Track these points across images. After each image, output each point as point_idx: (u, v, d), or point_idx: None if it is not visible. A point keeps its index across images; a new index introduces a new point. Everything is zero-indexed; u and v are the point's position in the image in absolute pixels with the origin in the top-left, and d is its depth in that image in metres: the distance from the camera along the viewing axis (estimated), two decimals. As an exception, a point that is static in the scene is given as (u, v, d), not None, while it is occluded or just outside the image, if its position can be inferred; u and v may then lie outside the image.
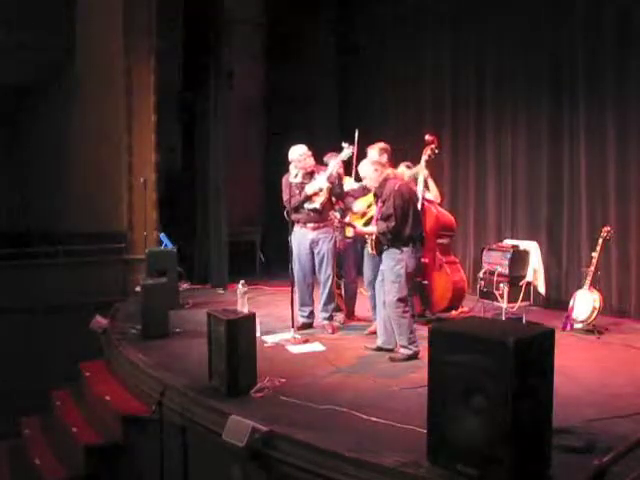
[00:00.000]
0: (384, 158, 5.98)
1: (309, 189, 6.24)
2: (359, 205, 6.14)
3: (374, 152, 6.01)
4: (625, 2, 6.44)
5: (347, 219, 6.19)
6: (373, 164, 5.54)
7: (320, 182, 6.21)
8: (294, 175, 6.28)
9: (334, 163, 6.25)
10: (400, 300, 5.32)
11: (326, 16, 9.87)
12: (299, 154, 6.28)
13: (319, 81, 9.80)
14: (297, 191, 6.22)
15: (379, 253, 5.51)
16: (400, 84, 9.16)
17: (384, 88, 9.39)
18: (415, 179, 6.44)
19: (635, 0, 6.35)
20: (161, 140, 8.74)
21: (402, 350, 5.37)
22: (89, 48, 8.36)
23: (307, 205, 6.24)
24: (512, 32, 7.53)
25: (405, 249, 5.34)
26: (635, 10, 6.35)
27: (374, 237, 5.53)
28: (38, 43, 8.10)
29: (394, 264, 5.35)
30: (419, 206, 6.11)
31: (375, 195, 5.63)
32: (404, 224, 5.32)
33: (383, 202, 5.40)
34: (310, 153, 6.36)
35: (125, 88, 8.54)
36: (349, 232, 6.31)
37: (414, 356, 5.32)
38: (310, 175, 6.30)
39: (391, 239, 5.36)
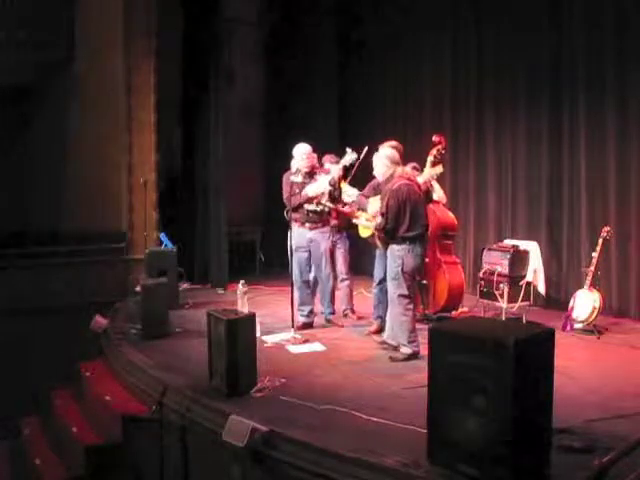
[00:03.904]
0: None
1: (309, 190, 6.25)
2: (374, 206, 6.08)
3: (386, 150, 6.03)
4: (625, 3, 6.45)
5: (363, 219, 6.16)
6: (386, 158, 5.59)
7: (322, 185, 6.22)
8: (295, 171, 6.32)
9: (337, 168, 6.26)
10: (401, 296, 5.38)
11: (326, 17, 9.86)
12: (300, 152, 6.33)
13: (319, 81, 9.79)
14: (297, 190, 6.25)
15: (385, 249, 5.58)
16: (400, 84, 9.17)
17: (384, 89, 9.39)
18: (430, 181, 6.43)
19: (635, 1, 6.35)
20: (161, 140, 8.74)
21: (402, 349, 5.39)
22: (89, 48, 8.34)
23: (307, 206, 6.26)
24: (512, 32, 7.53)
25: (403, 247, 5.39)
26: (634, 11, 6.35)
27: (367, 234, 5.71)
28: (38, 43, 8.08)
29: (392, 261, 5.44)
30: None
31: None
32: (400, 223, 5.36)
33: (382, 199, 5.49)
34: (314, 155, 6.41)
35: (125, 88, 8.54)
36: (364, 233, 6.24)
37: (414, 356, 5.33)
38: (311, 175, 6.33)
39: (390, 237, 5.42)
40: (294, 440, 3.77)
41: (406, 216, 5.36)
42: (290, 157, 6.63)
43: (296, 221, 6.36)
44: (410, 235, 5.38)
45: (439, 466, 3.23)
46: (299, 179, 6.28)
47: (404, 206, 5.37)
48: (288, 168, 6.47)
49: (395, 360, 5.34)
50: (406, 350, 5.36)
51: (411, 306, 5.43)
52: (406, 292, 5.38)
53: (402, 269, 5.36)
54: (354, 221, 6.08)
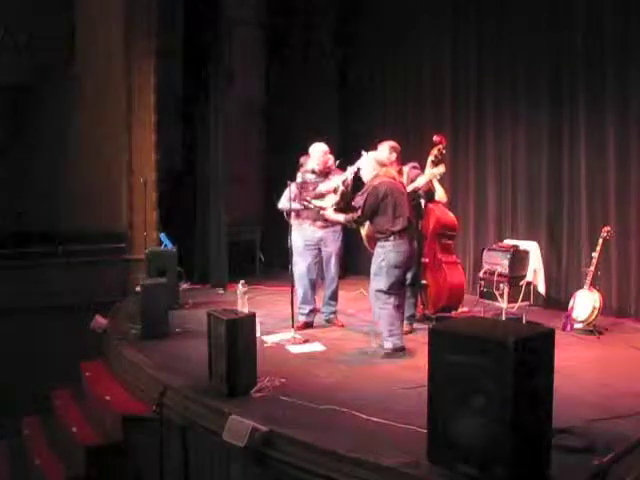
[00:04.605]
0: (393, 156, 6.12)
1: (323, 187, 6.30)
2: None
3: (385, 150, 6.05)
4: (625, 2, 6.45)
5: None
6: (374, 160, 5.67)
7: (335, 184, 6.25)
8: (309, 169, 6.42)
9: (351, 169, 6.28)
10: (379, 291, 5.49)
11: (326, 16, 9.86)
12: (315, 151, 6.43)
13: (319, 81, 9.79)
14: (310, 188, 6.31)
15: (372, 250, 5.68)
16: (400, 84, 9.16)
17: (384, 88, 9.39)
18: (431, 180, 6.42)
19: (635, 1, 6.36)
20: (161, 140, 8.73)
21: (384, 344, 5.49)
22: (89, 48, 8.35)
23: (319, 202, 6.26)
24: (512, 32, 7.52)
25: (386, 243, 5.48)
26: (635, 10, 6.35)
27: (363, 233, 5.81)
28: (38, 43, 8.09)
29: (376, 257, 5.56)
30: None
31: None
32: (382, 219, 5.48)
33: (361, 194, 5.63)
34: (329, 156, 6.46)
35: (125, 88, 8.54)
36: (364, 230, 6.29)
37: (398, 350, 5.42)
38: (325, 175, 6.40)
39: (376, 232, 5.57)
40: (294, 440, 3.77)
41: (388, 211, 5.46)
42: (290, 157, 6.67)
43: (307, 219, 6.39)
44: (393, 230, 5.47)
45: (439, 466, 3.23)
46: (312, 177, 6.37)
47: (384, 202, 5.47)
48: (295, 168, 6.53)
49: (385, 356, 5.43)
50: (387, 345, 5.45)
51: (390, 301, 5.48)
52: (383, 288, 5.47)
53: (385, 265, 5.46)
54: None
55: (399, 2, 8.95)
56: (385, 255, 5.47)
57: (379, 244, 5.54)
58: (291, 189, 6.22)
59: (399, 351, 5.42)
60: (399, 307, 5.57)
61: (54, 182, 8.21)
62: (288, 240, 6.30)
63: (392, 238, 5.46)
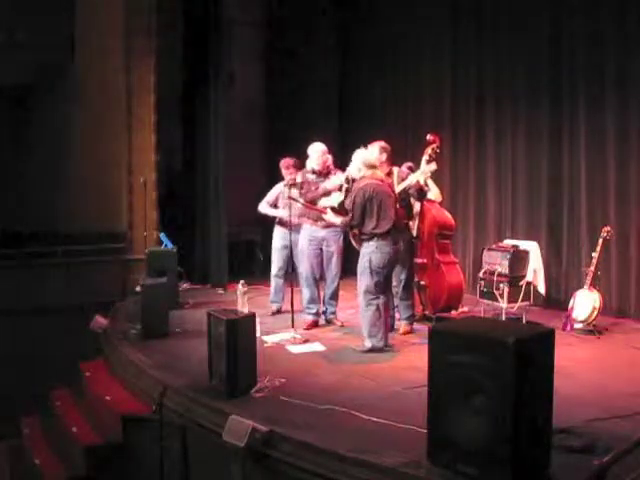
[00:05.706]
0: (383, 157, 6.12)
1: (328, 185, 6.32)
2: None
3: (375, 150, 6.06)
4: (624, 2, 6.45)
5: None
6: (361, 161, 5.70)
7: (339, 180, 6.26)
8: (309, 169, 6.45)
9: None
10: (365, 292, 5.55)
11: (326, 16, 9.86)
12: (314, 151, 6.45)
13: (319, 81, 9.80)
14: (313, 187, 6.33)
15: (360, 248, 5.74)
16: (400, 85, 9.16)
17: (384, 88, 9.39)
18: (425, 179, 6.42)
19: (634, 1, 6.36)
20: (161, 140, 8.74)
21: (364, 342, 5.56)
22: (89, 48, 8.35)
23: (325, 202, 6.26)
24: (512, 31, 7.53)
25: (370, 244, 5.54)
26: (634, 10, 6.35)
27: (351, 232, 5.87)
28: (38, 43, 8.09)
29: (361, 258, 5.63)
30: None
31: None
32: (367, 220, 5.52)
33: (349, 197, 5.70)
34: (328, 155, 6.48)
35: (125, 88, 8.55)
36: None
37: (373, 350, 5.49)
38: (325, 174, 6.42)
39: (359, 233, 5.64)
40: (294, 440, 3.77)
41: (373, 213, 5.50)
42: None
43: (308, 219, 6.42)
44: (377, 232, 5.51)
45: (439, 466, 3.23)
46: (313, 177, 6.41)
47: (370, 203, 5.50)
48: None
49: (356, 351, 5.55)
50: (366, 343, 5.54)
51: (375, 301, 5.55)
52: (368, 288, 5.54)
53: (369, 266, 5.51)
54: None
55: (399, 2, 8.95)
56: (369, 256, 5.53)
57: (363, 244, 5.60)
58: (283, 191, 6.23)
59: (377, 350, 5.51)
60: (384, 308, 5.62)
61: (54, 182, 8.21)
62: (273, 242, 6.34)
63: (375, 239, 5.52)
